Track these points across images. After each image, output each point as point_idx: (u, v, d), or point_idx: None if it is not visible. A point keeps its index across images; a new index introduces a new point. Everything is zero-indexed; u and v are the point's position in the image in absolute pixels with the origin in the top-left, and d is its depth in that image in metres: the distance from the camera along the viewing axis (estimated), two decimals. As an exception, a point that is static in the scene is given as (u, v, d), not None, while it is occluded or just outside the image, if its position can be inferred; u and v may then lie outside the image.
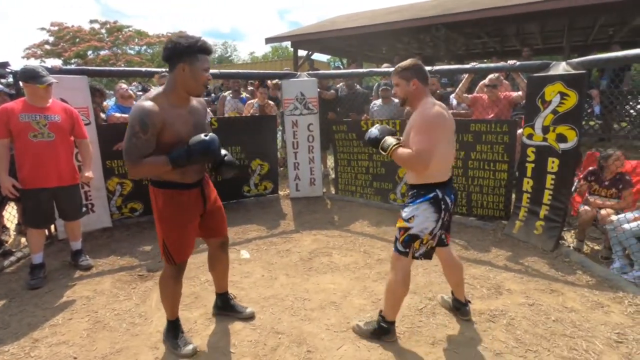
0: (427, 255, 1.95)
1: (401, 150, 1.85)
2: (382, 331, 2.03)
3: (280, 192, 4.92)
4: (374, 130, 1.99)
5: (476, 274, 2.82)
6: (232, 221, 3.18)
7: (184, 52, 1.68)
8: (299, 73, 4.69)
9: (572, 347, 1.99)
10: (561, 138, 3.12)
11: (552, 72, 3.18)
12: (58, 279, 2.81)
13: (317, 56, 12.39)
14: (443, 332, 2.13)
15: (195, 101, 1.90)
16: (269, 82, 5.65)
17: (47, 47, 20.84)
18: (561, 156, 3.14)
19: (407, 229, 1.88)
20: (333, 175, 5.24)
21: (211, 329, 2.20)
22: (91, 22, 22.57)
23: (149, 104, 1.68)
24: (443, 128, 1.83)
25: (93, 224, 3.59)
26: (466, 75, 3.86)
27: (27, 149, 2.55)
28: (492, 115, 3.90)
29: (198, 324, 2.25)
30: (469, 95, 3.95)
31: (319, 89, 4.68)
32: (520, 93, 3.76)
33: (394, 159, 1.89)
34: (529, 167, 3.38)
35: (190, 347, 1.97)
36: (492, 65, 3.63)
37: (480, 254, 3.16)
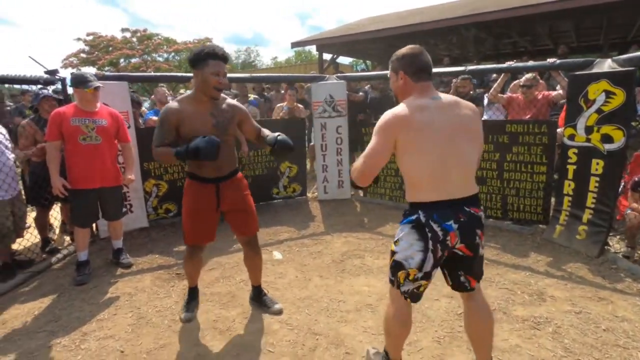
0: (413, 296, 1.55)
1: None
2: None
3: (308, 194, 4.94)
4: None
5: (516, 279, 2.72)
6: (262, 223, 3.21)
7: (195, 59, 1.93)
8: (327, 76, 4.71)
9: (626, 358, 1.89)
10: (606, 139, 2.97)
11: (596, 70, 3.05)
12: (102, 276, 2.93)
13: (341, 59, 12.43)
14: (485, 338, 2.07)
15: (225, 104, 2.08)
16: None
17: (83, 55, 21.91)
18: (606, 157, 2.99)
19: (393, 253, 1.55)
20: (361, 178, 5.22)
21: (249, 328, 2.23)
22: (123, 30, 23.58)
23: (172, 104, 2.03)
24: (400, 132, 1.43)
25: (131, 224, 3.73)
26: (502, 75, 3.75)
27: (77, 151, 2.69)
28: (529, 115, 3.77)
29: (236, 322, 2.29)
30: (504, 95, 3.84)
31: (347, 92, 4.69)
32: (560, 92, 3.62)
33: None
34: (570, 169, 3.24)
35: (186, 315, 2.28)
36: (530, 64, 3.48)
37: (518, 259, 3.05)
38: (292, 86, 4.90)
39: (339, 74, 4.81)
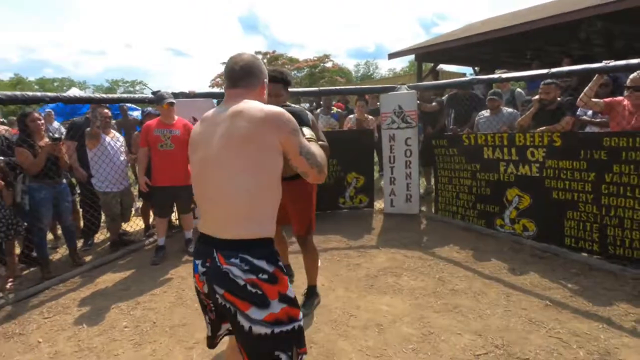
0: (207, 340, 1.41)
1: None
2: None
3: (377, 205, 4.85)
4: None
5: (579, 330, 2.17)
6: (319, 230, 3.36)
7: None
8: (398, 86, 4.59)
9: None
10: None
11: None
12: (171, 259, 3.52)
13: (450, 67, 11.73)
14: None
15: None
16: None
17: (224, 77, 26.14)
18: None
19: None
20: (434, 193, 4.86)
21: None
22: (256, 53, 27.26)
23: None
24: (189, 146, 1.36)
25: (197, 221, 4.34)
26: (595, 77, 3.01)
27: (156, 155, 3.35)
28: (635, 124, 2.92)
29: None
30: (601, 100, 3.07)
31: (419, 101, 4.47)
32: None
33: None
34: (695, 197, 2.41)
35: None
36: (634, 61, 2.68)
37: (596, 307, 2.41)
38: (362, 98, 4.93)
39: (410, 84, 4.63)
